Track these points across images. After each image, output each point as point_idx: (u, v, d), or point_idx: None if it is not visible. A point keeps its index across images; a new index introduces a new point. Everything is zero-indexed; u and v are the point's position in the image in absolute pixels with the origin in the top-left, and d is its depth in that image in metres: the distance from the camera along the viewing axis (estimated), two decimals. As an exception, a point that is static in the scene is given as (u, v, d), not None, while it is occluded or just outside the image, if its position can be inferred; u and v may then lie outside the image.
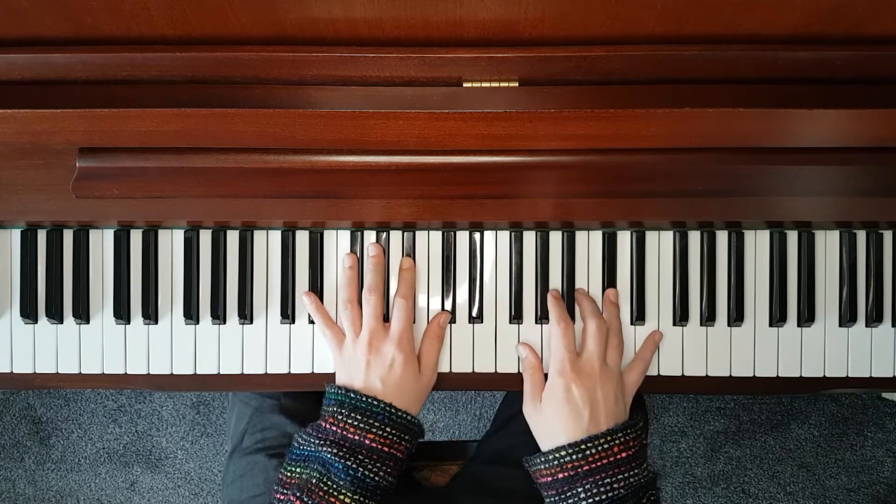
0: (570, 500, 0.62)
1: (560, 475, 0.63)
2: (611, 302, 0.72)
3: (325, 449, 0.64)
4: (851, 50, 0.60)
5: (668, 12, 0.57)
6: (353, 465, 0.63)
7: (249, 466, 0.79)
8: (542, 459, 0.65)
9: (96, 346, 0.74)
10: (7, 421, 1.49)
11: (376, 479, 0.64)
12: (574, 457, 0.63)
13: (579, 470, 0.62)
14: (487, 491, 0.77)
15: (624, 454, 0.63)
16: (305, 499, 0.62)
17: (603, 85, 0.62)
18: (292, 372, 0.74)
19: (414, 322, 0.72)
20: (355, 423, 0.65)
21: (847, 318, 0.73)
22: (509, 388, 0.74)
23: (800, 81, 0.62)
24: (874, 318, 0.73)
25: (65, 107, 0.61)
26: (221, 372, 0.74)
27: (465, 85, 0.62)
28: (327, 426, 0.65)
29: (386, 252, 0.73)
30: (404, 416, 0.67)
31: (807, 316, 0.73)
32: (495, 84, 0.62)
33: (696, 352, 0.74)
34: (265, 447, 0.80)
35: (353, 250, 0.74)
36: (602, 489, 0.61)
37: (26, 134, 0.63)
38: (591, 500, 0.61)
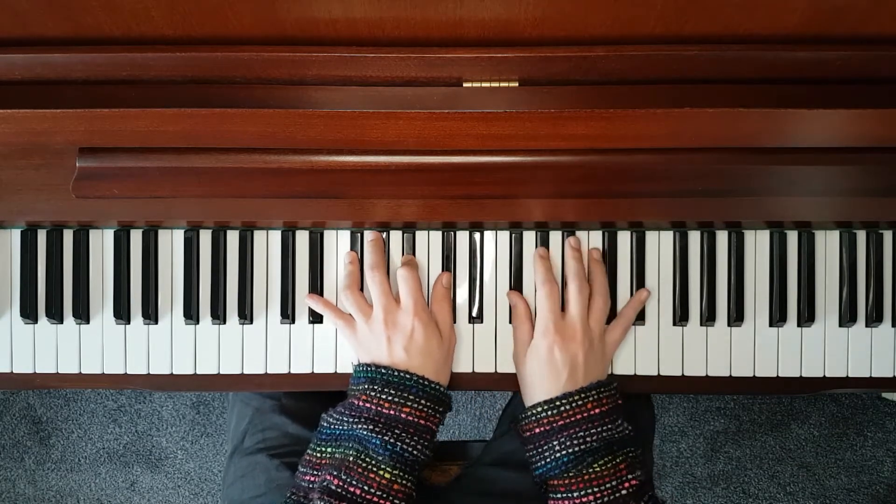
0: (547, 453, 0.64)
1: (537, 430, 0.66)
2: (595, 260, 0.72)
3: (359, 426, 0.64)
4: (851, 50, 0.60)
5: (668, 12, 0.57)
6: (392, 440, 0.63)
7: (251, 467, 0.79)
8: (523, 416, 0.67)
9: (96, 346, 0.74)
10: (7, 421, 1.49)
11: (414, 452, 0.64)
12: (549, 412, 0.65)
13: (554, 424, 0.65)
14: (490, 492, 0.77)
15: (597, 410, 0.65)
16: (344, 476, 0.62)
17: (603, 85, 0.62)
18: (292, 372, 0.74)
19: None
20: (389, 397, 0.65)
21: (847, 318, 0.73)
22: (510, 388, 0.74)
23: (800, 81, 0.62)
24: (874, 318, 0.73)
25: (65, 107, 0.61)
26: (221, 372, 0.74)
27: (465, 85, 0.62)
28: (360, 403, 0.65)
29: (386, 252, 0.73)
30: (437, 387, 0.67)
31: (807, 316, 0.73)
32: (495, 84, 0.62)
33: (696, 352, 0.74)
34: (266, 447, 0.80)
35: (353, 250, 0.74)
36: (575, 441, 0.64)
37: (26, 134, 0.63)
38: (564, 451, 0.63)
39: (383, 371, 0.66)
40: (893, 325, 0.74)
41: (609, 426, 0.65)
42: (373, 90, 0.62)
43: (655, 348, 0.73)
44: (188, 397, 1.48)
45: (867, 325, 0.74)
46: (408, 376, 0.66)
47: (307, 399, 0.84)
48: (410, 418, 0.64)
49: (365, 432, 0.63)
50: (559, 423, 0.65)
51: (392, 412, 0.64)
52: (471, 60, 0.60)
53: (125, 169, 0.66)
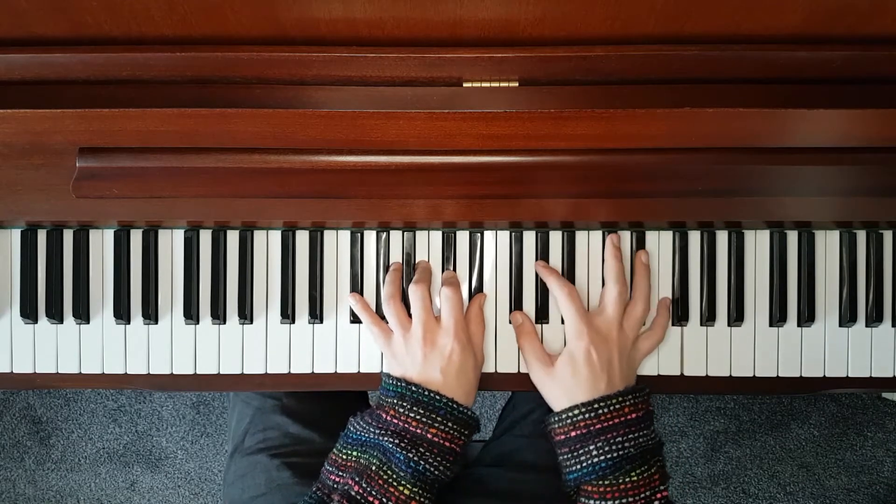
0: (583, 457, 0.64)
1: (573, 433, 0.65)
2: (642, 264, 0.72)
3: (385, 438, 0.64)
4: (851, 50, 0.60)
5: (668, 12, 0.57)
6: (415, 458, 0.63)
7: (251, 467, 0.79)
8: (557, 418, 0.66)
9: (96, 346, 0.74)
10: (7, 421, 1.49)
11: (436, 472, 0.64)
12: (587, 416, 0.64)
13: (591, 428, 0.64)
14: (490, 493, 0.77)
15: (634, 415, 0.65)
16: (364, 485, 0.62)
17: (603, 85, 0.62)
18: (292, 372, 0.74)
19: None
20: (418, 416, 0.64)
21: (847, 318, 0.73)
22: (509, 388, 0.74)
23: (800, 81, 0.62)
24: (874, 318, 0.73)
25: (65, 107, 0.61)
26: (221, 372, 0.74)
27: (465, 85, 0.62)
28: (388, 418, 0.65)
29: (386, 252, 0.74)
30: (465, 411, 0.66)
31: (807, 316, 0.73)
32: (495, 84, 0.62)
33: (696, 352, 0.74)
34: (267, 447, 0.80)
35: (353, 250, 0.74)
36: (613, 447, 0.63)
37: (26, 134, 0.63)
38: (603, 457, 0.63)
39: (414, 389, 0.66)
40: (893, 325, 0.74)
41: (644, 432, 0.65)
42: (373, 90, 0.62)
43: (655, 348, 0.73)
44: (188, 397, 1.48)
45: (867, 325, 0.74)
46: (438, 397, 0.65)
47: (309, 399, 0.84)
48: (436, 439, 0.64)
49: (390, 445, 0.63)
50: (597, 427, 0.64)
51: (419, 431, 0.64)
52: (471, 60, 0.60)
53: (125, 169, 0.66)
